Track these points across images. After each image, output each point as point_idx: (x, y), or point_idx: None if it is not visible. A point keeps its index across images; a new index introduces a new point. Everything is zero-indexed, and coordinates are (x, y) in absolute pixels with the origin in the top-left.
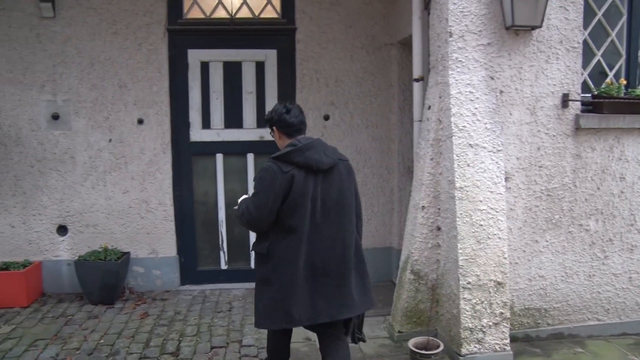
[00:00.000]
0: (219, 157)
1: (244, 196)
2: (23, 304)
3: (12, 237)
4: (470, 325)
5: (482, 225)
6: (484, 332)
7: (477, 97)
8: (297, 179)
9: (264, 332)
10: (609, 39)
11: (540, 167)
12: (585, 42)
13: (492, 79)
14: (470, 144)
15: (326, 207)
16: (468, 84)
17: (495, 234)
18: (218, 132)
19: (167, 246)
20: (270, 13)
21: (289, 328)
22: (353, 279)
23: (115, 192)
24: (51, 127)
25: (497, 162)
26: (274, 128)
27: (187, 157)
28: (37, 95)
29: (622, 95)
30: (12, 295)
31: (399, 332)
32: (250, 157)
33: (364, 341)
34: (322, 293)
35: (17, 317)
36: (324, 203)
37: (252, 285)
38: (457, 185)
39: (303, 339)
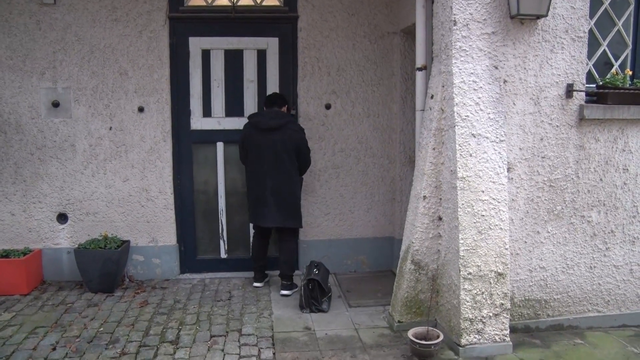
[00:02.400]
0: (220, 145)
1: None
2: (23, 292)
3: (13, 224)
4: (470, 315)
5: (483, 215)
6: (484, 322)
7: (481, 87)
8: (249, 132)
9: (264, 321)
10: (615, 29)
11: (543, 157)
12: (590, 31)
13: (496, 68)
14: (472, 134)
15: (268, 153)
16: (472, 73)
17: (496, 225)
18: (219, 121)
19: (167, 235)
20: (272, 1)
21: (255, 224)
22: (280, 204)
23: (115, 180)
24: (51, 114)
25: (499, 153)
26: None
27: (187, 146)
28: (37, 82)
29: (627, 85)
30: (13, 283)
31: (399, 322)
32: None
33: (324, 311)
34: (261, 208)
35: (18, 305)
36: (267, 150)
37: (252, 274)
38: (459, 175)
39: (303, 329)
